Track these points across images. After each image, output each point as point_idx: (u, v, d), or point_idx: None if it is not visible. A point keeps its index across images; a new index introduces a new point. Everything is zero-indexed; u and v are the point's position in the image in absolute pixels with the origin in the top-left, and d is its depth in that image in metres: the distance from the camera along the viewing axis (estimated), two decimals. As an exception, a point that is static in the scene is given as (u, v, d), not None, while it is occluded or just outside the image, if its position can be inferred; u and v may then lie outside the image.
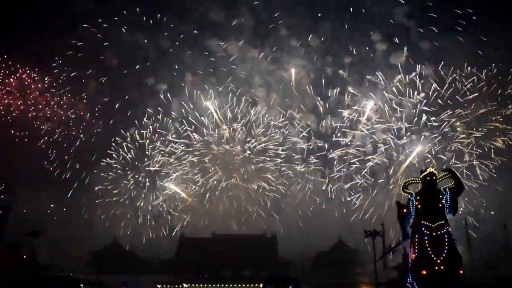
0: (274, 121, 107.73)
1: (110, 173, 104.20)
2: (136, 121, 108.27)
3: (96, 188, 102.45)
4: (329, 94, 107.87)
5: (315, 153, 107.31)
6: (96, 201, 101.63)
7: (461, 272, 30.42)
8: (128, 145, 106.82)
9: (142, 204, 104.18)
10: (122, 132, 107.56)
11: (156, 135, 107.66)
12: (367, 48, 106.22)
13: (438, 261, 30.05)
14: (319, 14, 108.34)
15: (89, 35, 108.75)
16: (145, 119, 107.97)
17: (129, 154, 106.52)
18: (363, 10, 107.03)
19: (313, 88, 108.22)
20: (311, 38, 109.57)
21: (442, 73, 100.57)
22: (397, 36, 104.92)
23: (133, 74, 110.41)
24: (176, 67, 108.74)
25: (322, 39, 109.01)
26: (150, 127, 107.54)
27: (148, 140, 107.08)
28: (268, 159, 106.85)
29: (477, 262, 72.76)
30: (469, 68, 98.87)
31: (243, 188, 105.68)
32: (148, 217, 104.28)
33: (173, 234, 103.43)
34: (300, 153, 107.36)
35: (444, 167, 33.84)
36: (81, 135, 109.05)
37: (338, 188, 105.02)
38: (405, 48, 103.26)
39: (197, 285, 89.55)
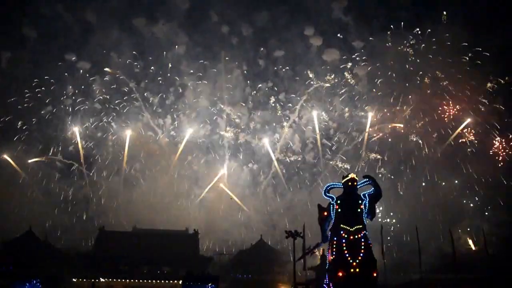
0: (202, 112, 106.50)
1: (23, 155, 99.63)
2: (53, 100, 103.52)
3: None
4: (260, 87, 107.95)
5: (243, 147, 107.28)
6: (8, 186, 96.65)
7: (375, 274, 31.89)
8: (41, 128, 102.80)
9: (58, 190, 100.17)
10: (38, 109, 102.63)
11: (76, 115, 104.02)
12: (301, 42, 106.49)
13: (354, 263, 31.34)
14: (254, 3, 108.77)
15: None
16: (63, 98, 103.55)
17: (43, 134, 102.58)
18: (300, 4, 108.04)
19: (244, 80, 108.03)
20: (244, 28, 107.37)
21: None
22: (333, 33, 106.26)
23: (53, 48, 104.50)
24: (101, 45, 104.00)
25: (255, 29, 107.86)
26: (69, 107, 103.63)
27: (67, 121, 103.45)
28: (194, 150, 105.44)
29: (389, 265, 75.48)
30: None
31: (166, 180, 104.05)
32: (65, 205, 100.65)
33: (92, 226, 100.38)
34: (227, 147, 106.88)
35: (364, 174, 35.03)
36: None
37: (263, 185, 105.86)
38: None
39: (114, 280, 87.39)
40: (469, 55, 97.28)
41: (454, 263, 68.53)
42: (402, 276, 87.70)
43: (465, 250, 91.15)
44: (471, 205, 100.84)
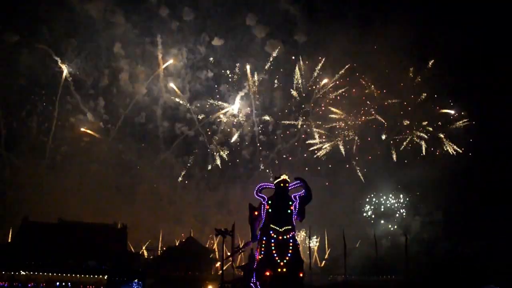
0: (138, 98, 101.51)
1: None
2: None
3: None
4: (200, 76, 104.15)
5: (178, 138, 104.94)
6: None
7: (301, 275, 32.60)
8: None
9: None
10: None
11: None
12: (244, 32, 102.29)
13: (282, 263, 31.90)
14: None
15: None
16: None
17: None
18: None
19: (183, 67, 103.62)
20: (185, 12, 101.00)
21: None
22: (277, 25, 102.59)
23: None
24: (30, 16, 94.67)
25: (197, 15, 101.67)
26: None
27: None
28: (127, 138, 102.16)
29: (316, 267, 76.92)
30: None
31: (95, 169, 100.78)
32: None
33: (13, 214, 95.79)
34: (162, 137, 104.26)
35: (296, 176, 35.68)
36: None
37: (196, 179, 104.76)
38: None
39: (36, 273, 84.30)
40: (415, 56, 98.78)
41: (377, 265, 70.90)
42: (328, 277, 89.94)
43: (393, 252, 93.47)
44: (405, 204, 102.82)
